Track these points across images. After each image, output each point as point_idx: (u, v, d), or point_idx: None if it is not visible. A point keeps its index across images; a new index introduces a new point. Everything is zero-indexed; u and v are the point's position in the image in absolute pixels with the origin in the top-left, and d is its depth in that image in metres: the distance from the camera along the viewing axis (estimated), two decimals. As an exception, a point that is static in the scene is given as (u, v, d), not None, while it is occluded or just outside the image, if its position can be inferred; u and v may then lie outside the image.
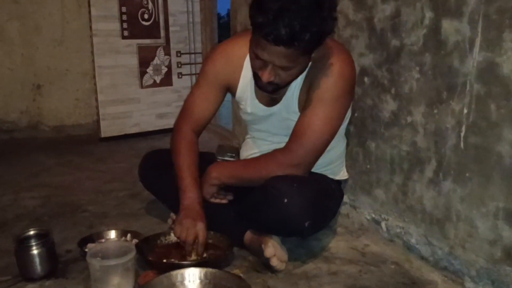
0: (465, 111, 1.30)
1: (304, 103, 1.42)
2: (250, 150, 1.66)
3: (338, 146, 1.62)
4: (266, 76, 1.30)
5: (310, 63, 1.37)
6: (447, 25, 1.34)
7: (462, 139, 1.32)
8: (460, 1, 1.29)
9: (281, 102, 1.49)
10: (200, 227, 1.42)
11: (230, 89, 1.58)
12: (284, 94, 1.47)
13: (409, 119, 1.51)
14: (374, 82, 1.65)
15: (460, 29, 1.30)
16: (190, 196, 1.47)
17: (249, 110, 1.57)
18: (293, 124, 1.45)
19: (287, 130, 1.47)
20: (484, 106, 1.25)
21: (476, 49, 1.26)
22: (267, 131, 1.59)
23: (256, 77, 1.37)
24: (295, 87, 1.44)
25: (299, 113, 1.45)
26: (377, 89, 1.63)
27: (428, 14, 1.39)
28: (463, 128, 1.31)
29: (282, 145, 1.46)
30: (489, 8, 1.21)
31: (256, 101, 1.53)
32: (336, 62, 1.37)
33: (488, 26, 1.22)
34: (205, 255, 1.45)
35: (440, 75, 1.38)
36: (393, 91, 1.56)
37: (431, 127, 1.42)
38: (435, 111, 1.40)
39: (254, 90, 1.51)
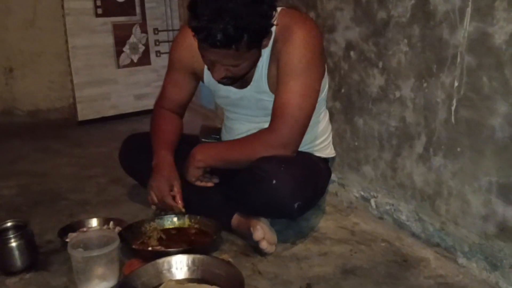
0: (456, 84, 1.27)
1: (277, 79, 1.38)
2: (231, 134, 1.61)
3: (320, 120, 1.57)
4: (216, 75, 1.32)
5: (272, 40, 1.35)
6: (436, -5, 1.29)
7: (453, 113, 1.29)
8: (450, -31, 1.24)
9: (251, 83, 1.45)
10: (173, 176, 1.46)
11: (196, 74, 1.56)
12: (252, 75, 1.43)
13: (397, 93, 1.46)
14: (360, 56, 1.60)
15: (449, -2, 1.25)
16: (159, 155, 1.51)
17: (220, 93, 1.54)
18: (267, 104, 1.42)
19: (264, 111, 1.45)
20: (475, 78, 1.21)
21: (467, 19, 1.21)
22: (244, 113, 1.55)
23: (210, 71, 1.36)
24: (262, 67, 1.41)
25: (270, 92, 1.42)
26: (363, 64, 1.59)
27: (416, -16, 1.34)
28: (454, 102, 1.28)
29: (262, 125, 1.44)
30: (480, -24, 1.16)
31: None
32: (297, 32, 1.34)
33: (479, -6, 1.17)
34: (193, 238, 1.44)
35: (429, 48, 1.34)
36: (380, 65, 1.52)
37: (420, 102, 1.39)
38: (425, 85, 1.36)
39: None
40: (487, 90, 1.18)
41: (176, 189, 1.47)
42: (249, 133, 1.49)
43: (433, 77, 1.33)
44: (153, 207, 1.63)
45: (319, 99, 1.45)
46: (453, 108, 1.28)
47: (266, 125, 1.42)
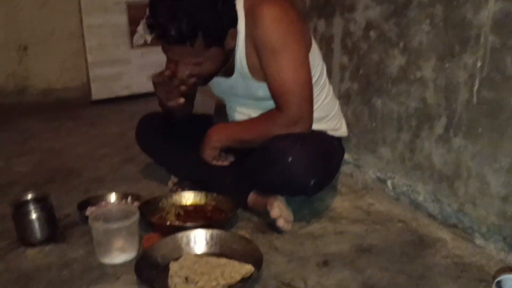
0: (479, 64, 1.25)
1: (261, 63, 1.36)
2: (232, 120, 1.62)
3: (325, 95, 1.54)
4: (179, 74, 1.34)
5: (244, 27, 1.35)
6: (461, -27, 1.27)
7: (475, 93, 1.28)
8: None
9: (235, 72, 1.44)
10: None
11: None
12: (233, 65, 1.43)
13: (418, 74, 1.45)
14: (381, 36, 1.58)
15: (475, -23, 1.23)
16: None
17: (213, 84, 1.54)
18: (255, 90, 1.43)
19: (255, 97, 1.47)
20: (499, 59, 1.20)
21: (492, -1, 1.20)
22: (237, 101, 1.56)
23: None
24: (240, 56, 1.40)
25: (254, 79, 1.41)
26: (384, 44, 1.57)
27: (441, -38, 1.33)
28: (476, 82, 1.27)
29: (259, 112, 1.46)
30: (508, -47, 1.14)
31: None
32: (263, 11, 1.32)
33: (506, -28, 1.15)
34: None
35: (452, 28, 1.32)
36: (401, 45, 1.50)
37: (441, 82, 1.38)
38: (447, 65, 1.35)
39: None
40: (511, 71, 1.17)
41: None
42: (250, 117, 1.51)
43: (456, 57, 1.32)
44: (170, 184, 1.64)
45: (315, 74, 1.44)
46: (475, 88, 1.27)
47: (264, 106, 1.43)
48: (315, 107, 1.42)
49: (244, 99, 1.52)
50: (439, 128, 1.40)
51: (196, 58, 1.30)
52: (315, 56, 1.47)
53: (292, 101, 1.34)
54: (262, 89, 1.41)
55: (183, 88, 1.40)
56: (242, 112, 1.56)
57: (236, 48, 1.38)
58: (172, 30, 1.22)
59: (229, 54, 1.39)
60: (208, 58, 1.31)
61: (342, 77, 1.80)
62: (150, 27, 1.27)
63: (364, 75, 1.68)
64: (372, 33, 1.62)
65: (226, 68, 1.43)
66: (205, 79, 1.40)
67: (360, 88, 1.71)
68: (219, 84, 1.53)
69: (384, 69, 1.58)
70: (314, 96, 1.41)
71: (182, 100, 1.43)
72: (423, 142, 1.47)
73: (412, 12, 1.44)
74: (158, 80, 1.42)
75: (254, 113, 1.50)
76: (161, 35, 1.25)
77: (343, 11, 1.72)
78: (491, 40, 1.21)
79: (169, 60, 1.37)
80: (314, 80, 1.42)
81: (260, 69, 1.37)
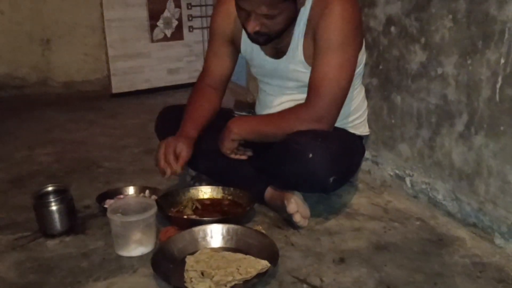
0: (502, 61, 1.23)
1: (313, 53, 1.37)
2: (264, 107, 1.60)
3: (355, 96, 1.55)
4: (250, 27, 1.29)
5: (309, 8, 1.35)
6: (486, -32, 1.25)
7: (497, 91, 1.25)
8: None
9: (287, 53, 1.44)
10: (185, 145, 1.42)
11: (234, 43, 1.56)
12: (288, 44, 1.42)
13: (439, 70, 1.43)
14: (401, 32, 1.56)
15: (500, -29, 1.21)
16: (183, 129, 1.49)
17: (256, 63, 1.54)
18: (302, 76, 1.42)
19: (298, 82, 1.45)
20: (523, 55, 1.17)
21: (518, -7, 1.17)
22: (278, 84, 1.54)
23: (245, 30, 1.35)
24: (298, 36, 1.40)
25: (305, 63, 1.41)
26: (404, 39, 1.55)
27: (465, -44, 1.30)
28: (499, 79, 1.24)
29: (295, 97, 1.45)
30: None
31: (262, 53, 1.49)
32: (334, 5, 1.32)
33: (533, -33, 1.13)
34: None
35: (475, 23, 1.30)
36: (422, 41, 1.48)
37: (463, 79, 1.35)
38: (469, 61, 1.33)
39: None
40: (536, 68, 1.15)
41: (183, 154, 1.42)
42: (282, 105, 1.49)
43: (478, 54, 1.30)
44: (188, 177, 1.65)
45: (357, 71, 1.44)
46: (498, 86, 1.25)
47: (299, 97, 1.42)
48: (346, 101, 1.42)
49: (286, 82, 1.51)
50: (459, 126, 1.38)
51: (271, 9, 1.26)
52: (363, 56, 1.48)
53: (324, 97, 1.34)
54: (306, 75, 1.40)
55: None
56: (276, 97, 1.55)
57: (295, 27, 1.39)
58: None
59: (296, 17, 1.37)
60: (281, 11, 1.28)
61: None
62: None
63: (383, 71, 1.66)
64: (392, 29, 1.60)
65: (280, 47, 1.43)
66: (270, 38, 1.36)
67: (379, 84, 1.69)
68: (263, 64, 1.52)
69: (405, 65, 1.56)
70: (349, 91, 1.41)
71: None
72: (443, 139, 1.45)
73: (434, 8, 1.42)
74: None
75: (290, 99, 1.49)
76: None
77: (363, 6, 1.70)
78: (515, 37, 1.19)
79: (240, 10, 1.32)
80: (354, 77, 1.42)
81: (312, 54, 1.38)
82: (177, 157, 1.41)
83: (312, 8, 1.36)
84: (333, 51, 1.33)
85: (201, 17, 3.40)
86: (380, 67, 1.67)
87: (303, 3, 1.34)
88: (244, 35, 1.48)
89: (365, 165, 1.80)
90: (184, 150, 1.42)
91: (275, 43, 1.40)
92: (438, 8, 1.41)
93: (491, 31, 1.25)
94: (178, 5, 3.29)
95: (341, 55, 1.34)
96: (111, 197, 1.53)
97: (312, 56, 1.37)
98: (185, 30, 3.37)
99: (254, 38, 1.35)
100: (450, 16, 1.37)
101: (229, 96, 2.02)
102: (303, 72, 1.42)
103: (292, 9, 1.31)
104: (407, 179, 1.62)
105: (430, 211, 1.51)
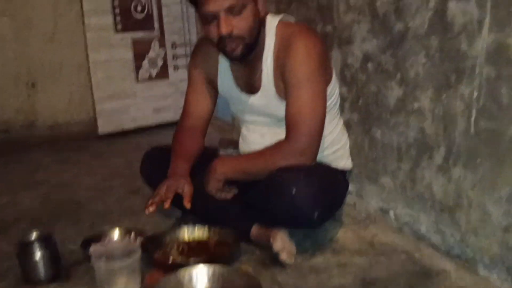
0: (475, 94, 1.27)
1: (285, 89, 1.42)
2: (248, 143, 1.62)
3: (333, 127, 1.57)
4: (223, 28, 1.31)
5: (273, 46, 1.42)
6: (454, 6, 1.30)
7: (472, 123, 1.28)
8: (467, -19, 1.24)
9: (261, 88, 1.48)
10: (185, 181, 1.47)
11: (213, 84, 1.60)
12: (260, 80, 1.47)
13: (416, 105, 1.47)
14: (378, 68, 1.60)
15: (467, 10, 1.26)
16: (175, 165, 1.53)
17: (233, 100, 1.59)
18: (277, 110, 1.46)
19: (274, 117, 1.49)
20: (495, 89, 1.21)
21: (485, 30, 1.21)
22: (256, 121, 1.57)
23: (220, 46, 1.37)
24: (268, 72, 1.45)
25: (279, 97, 1.45)
26: (381, 75, 1.59)
27: (433, -4, 1.35)
28: (473, 112, 1.28)
29: (275, 130, 1.49)
30: (498, -13, 1.17)
31: (238, 90, 1.54)
32: (299, 41, 1.38)
33: (497, 5, 1.18)
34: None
35: (447, 59, 1.34)
36: (398, 76, 1.52)
37: (439, 112, 1.39)
38: (443, 95, 1.37)
39: (234, 79, 1.53)
40: (507, 101, 1.18)
41: (186, 190, 1.46)
42: (263, 140, 1.52)
43: (452, 88, 1.34)
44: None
45: (329, 105, 1.47)
46: (472, 118, 1.28)
47: (279, 131, 1.44)
48: (324, 133, 1.45)
49: (264, 118, 1.54)
50: (438, 158, 1.41)
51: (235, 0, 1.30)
52: (335, 88, 1.53)
53: (302, 131, 1.37)
54: (282, 109, 1.44)
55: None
56: (256, 132, 1.58)
57: (263, 63, 1.44)
58: None
59: (260, 26, 1.41)
60: (245, 3, 1.32)
61: (342, 108, 1.81)
62: None
63: (363, 106, 1.70)
64: (369, 65, 1.64)
65: (252, 83, 1.48)
66: (245, 45, 1.37)
67: (360, 118, 1.73)
68: (240, 100, 1.56)
69: (383, 100, 1.60)
70: (326, 123, 1.44)
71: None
72: (423, 171, 1.47)
73: (408, 44, 1.47)
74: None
75: (267, 131, 1.53)
76: None
77: (340, 44, 1.75)
78: (486, 71, 1.23)
79: (210, 23, 1.35)
80: (328, 109, 1.46)
81: (283, 89, 1.42)
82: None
83: (276, 46, 1.42)
84: (303, 87, 1.38)
85: (186, 56, 3.45)
86: (360, 102, 1.71)
87: (263, 10, 1.39)
88: (220, 76, 1.54)
89: (349, 198, 1.81)
90: (186, 187, 1.46)
91: (249, 70, 1.46)
92: (412, 44, 1.46)
93: (463, 66, 1.30)
94: (162, 44, 3.35)
95: (311, 90, 1.38)
96: (96, 241, 1.50)
97: (284, 91, 1.42)
98: (170, 69, 3.41)
99: (229, 49, 1.37)
100: (424, 52, 1.42)
101: (213, 133, 2.04)
102: (277, 106, 1.45)
103: (254, 9, 1.35)
104: (391, 212, 1.63)
105: (415, 243, 1.51)
